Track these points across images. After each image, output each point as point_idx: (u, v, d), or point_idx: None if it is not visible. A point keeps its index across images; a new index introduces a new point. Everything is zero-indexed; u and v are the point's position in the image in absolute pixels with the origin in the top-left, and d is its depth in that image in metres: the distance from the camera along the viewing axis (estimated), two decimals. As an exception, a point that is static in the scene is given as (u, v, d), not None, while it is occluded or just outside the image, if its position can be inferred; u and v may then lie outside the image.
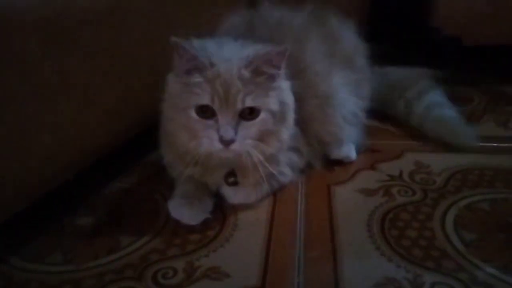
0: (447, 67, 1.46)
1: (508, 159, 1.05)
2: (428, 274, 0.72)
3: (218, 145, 0.78)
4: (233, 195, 0.90)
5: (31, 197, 0.81)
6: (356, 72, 1.09)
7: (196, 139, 0.81)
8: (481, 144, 1.09)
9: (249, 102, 0.78)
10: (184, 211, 0.84)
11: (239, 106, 0.78)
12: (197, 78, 0.78)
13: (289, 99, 0.86)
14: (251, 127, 0.80)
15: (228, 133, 0.77)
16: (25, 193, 0.79)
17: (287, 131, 0.87)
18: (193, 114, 0.79)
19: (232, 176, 0.89)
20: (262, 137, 0.83)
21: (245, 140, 0.80)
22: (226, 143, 0.78)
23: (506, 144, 1.13)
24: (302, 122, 0.95)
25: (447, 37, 1.59)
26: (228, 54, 0.81)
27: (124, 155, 1.04)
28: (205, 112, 0.79)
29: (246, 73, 0.79)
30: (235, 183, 0.89)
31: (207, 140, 0.79)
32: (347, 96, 1.04)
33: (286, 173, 0.94)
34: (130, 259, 0.78)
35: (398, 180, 0.99)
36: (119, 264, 0.77)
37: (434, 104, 1.17)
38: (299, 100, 0.91)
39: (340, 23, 1.12)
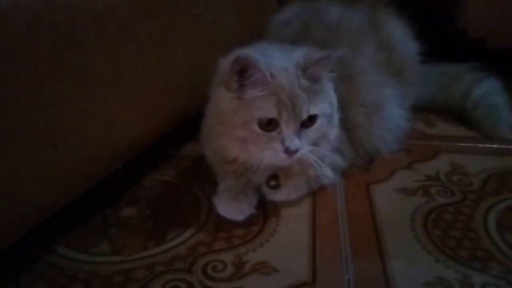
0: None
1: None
2: (477, 275, 0.72)
3: (283, 156, 0.79)
4: (273, 193, 0.90)
5: (81, 188, 0.81)
6: (405, 84, 1.11)
7: (258, 152, 0.81)
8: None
9: (312, 111, 0.79)
10: (231, 206, 0.84)
11: (305, 115, 0.78)
12: (259, 92, 0.77)
13: (334, 100, 0.87)
14: (311, 133, 0.81)
15: (295, 144, 0.78)
16: (76, 184, 0.80)
17: (334, 131, 0.88)
18: (256, 128, 0.78)
19: (274, 179, 0.90)
20: (316, 142, 0.84)
21: (306, 146, 0.81)
22: (292, 153, 0.78)
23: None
24: (347, 127, 0.95)
25: (472, 39, 1.59)
26: (279, 62, 0.80)
27: (161, 147, 1.04)
28: (270, 124, 0.78)
29: (305, 82, 0.79)
30: (277, 187, 0.90)
31: (272, 152, 0.79)
32: (394, 108, 1.05)
33: (328, 175, 0.94)
34: (178, 251, 0.78)
35: (436, 180, 1.00)
36: (167, 255, 0.77)
37: (491, 91, 1.20)
38: (346, 105, 0.92)
39: (397, 30, 1.13)
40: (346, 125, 0.97)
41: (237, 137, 0.81)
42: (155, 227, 0.85)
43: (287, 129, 0.78)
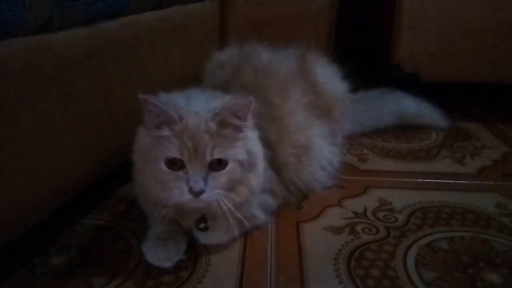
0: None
1: (465, 196, 1.12)
2: (392, 316, 0.76)
3: (188, 196, 0.81)
4: (204, 237, 0.92)
5: (2, 239, 0.80)
6: (335, 121, 1.17)
7: (166, 190, 0.83)
8: (438, 180, 1.18)
9: (217, 154, 0.81)
10: (159, 253, 0.85)
11: (208, 158, 0.80)
12: (166, 132, 0.81)
13: (257, 148, 0.89)
14: (220, 177, 0.83)
15: (198, 184, 0.80)
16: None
17: (257, 178, 0.90)
18: (163, 166, 0.81)
19: (203, 222, 0.91)
20: (232, 186, 0.86)
21: (214, 190, 0.82)
22: (196, 193, 0.80)
23: (462, 181, 1.21)
24: (277, 167, 0.99)
25: (407, 74, 1.68)
26: (196, 107, 0.83)
27: (96, 189, 1.04)
28: (175, 164, 0.81)
29: (213, 126, 0.81)
30: (205, 229, 0.91)
31: (178, 191, 0.81)
32: (323, 145, 1.10)
33: (258, 216, 0.97)
34: (102, 303, 0.78)
35: (363, 217, 1.04)
36: (92, 308, 0.77)
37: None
38: (275, 146, 0.96)
39: (324, 72, 1.20)
40: (276, 166, 1.01)
41: (152, 174, 0.83)
42: (83, 277, 0.84)
43: (192, 170, 0.80)
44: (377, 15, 1.86)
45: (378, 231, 0.99)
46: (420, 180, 1.21)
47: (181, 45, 1.24)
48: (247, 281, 0.84)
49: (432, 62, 1.59)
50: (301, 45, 1.23)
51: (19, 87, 0.75)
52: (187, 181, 0.80)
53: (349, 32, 1.90)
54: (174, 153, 0.80)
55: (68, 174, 0.91)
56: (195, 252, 0.91)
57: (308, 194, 1.10)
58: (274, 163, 1.01)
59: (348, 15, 1.74)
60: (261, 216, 0.98)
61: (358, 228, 1.00)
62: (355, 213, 1.06)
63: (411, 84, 1.65)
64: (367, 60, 1.76)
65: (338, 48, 1.66)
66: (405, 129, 1.51)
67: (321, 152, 1.11)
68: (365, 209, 1.07)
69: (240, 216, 0.87)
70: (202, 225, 0.91)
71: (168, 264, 0.85)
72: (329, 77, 1.20)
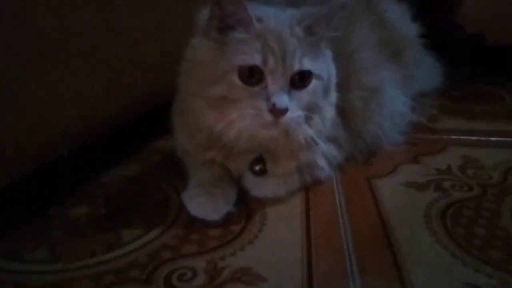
0: (471, 65, 1.39)
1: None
2: (518, 280, 0.57)
3: (268, 117, 0.63)
4: (258, 187, 0.75)
5: (10, 174, 0.64)
6: (406, 68, 0.98)
7: (229, 115, 0.65)
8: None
9: (307, 64, 0.64)
10: (204, 203, 0.68)
11: (297, 67, 0.63)
12: (241, 34, 0.63)
13: (333, 70, 0.72)
14: (302, 97, 0.66)
15: (282, 100, 0.62)
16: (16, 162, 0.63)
17: (330, 109, 0.73)
18: (236, 80, 0.63)
19: (260, 163, 0.74)
20: (309, 111, 0.68)
21: (297, 111, 0.65)
22: (280, 113, 0.62)
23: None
24: (343, 113, 0.81)
25: (471, 35, 1.49)
26: (273, 13, 0.67)
27: (127, 140, 0.88)
28: (252, 76, 0.63)
29: (299, 31, 0.65)
30: (262, 172, 0.74)
31: (253, 113, 0.64)
32: (395, 93, 0.91)
33: (323, 167, 0.79)
34: (135, 256, 0.62)
35: (448, 174, 0.85)
36: (121, 263, 0.61)
37: None
38: (340, 87, 0.78)
39: (393, 8, 1.01)
40: (341, 110, 0.82)
41: (213, 98, 0.65)
42: (110, 229, 0.68)
43: (274, 83, 0.63)
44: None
45: (471, 188, 0.80)
46: (510, 139, 1.00)
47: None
48: (316, 236, 0.66)
49: (499, 22, 1.39)
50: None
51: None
52: (267, 98, 0.63)
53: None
54: (254, 60, 0.63)
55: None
56: (246, 206, 0.73)
57: (374, 150, 0.91)
58: (339, 107, 0.82)
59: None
60: (325, 166, 0.79)
61: (446, 185, 0.81)
62: (438, 169, 0.86)
63: (475, 46, 1.46)
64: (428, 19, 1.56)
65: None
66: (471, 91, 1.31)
67: (392, 100, 0.92)
68: (449, 166, 0.88)
69: (306, 157, 0.70)
70: (258, 167, 0.74)
71: (215, 216, 0.67)
72: (399, 15, 1.02)
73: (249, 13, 0.63)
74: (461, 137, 1.02)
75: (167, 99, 0.77)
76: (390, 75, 0.93)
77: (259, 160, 0.73)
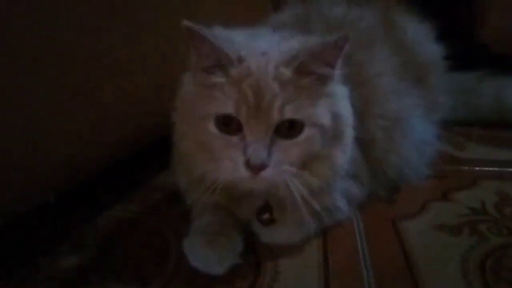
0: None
1: None
2: None
3: (243, 172, 0.56)
4: (268, 234, 0.67)
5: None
6: (430, 93, 0.89)
7: (215, 161, 0.59)
8: None
9: (289, 113, 0.56)
10: (206, 254, 0.59)
11: (275, 117, 0.55)
12: (218, 78, 0.57)
13: (346, 111, 0.64)
14: (291, 149, 0.58)
15: (258, 155, 0.55)
16: None
17: (343, 155, 0.64)
18: (212, 128, 0.57)
19: (267, 211, 0.66)
20: (308, 163, 0.60)
21: (281, 165, 0.57)
22: (255, 168, 0.55)
23: None
24: (362, 144, 0.72)
25: (495, 54, 1.40)
26: (264, 47, 0.59)
27: (124, 176, 0.80)
28: (228, 124, 0.57)
29: (286, 72, 0.56)
30: (270, 222, 0.66)
31: (229, 164, 0.57)
32: (420, 122, 0.83)
33: (342, 208, 0.70)
34: (127, 321, 0.53)
35: (483, 214, 0.76)
36: (111, 329, 0.52)
37: None
38: (360, 115, 0.69)
39: (415, 30, 0.93)
40: (361, 142, 0.73)
41: (197, 139, 0.59)
42: (102, 284, 0.59)
43: (251, 133, 0.55)
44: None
45: (511, 231, 0.70)
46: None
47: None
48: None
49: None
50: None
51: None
52: (244, 150, 0.56)
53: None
54: (227, 108, 0.56)
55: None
56: (256, 254, 0.65)
57: (398, 184, 0.82)
58: (359, 139, 0.73)
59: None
60: (344, 207, 0.71)
61: (482, 227, 0.72)
62: (471, 208, 0.77)
63: (500, 66, 1.37)
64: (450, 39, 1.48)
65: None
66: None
67: (416, 129, 0.83)
68: (483, 203, 0.78)
69: (317, 207, 0.61)
70: (265, 216, 0.66)
71: (219, 269, 0.59)
72: (421, 36, 0.94)
73: (228, 54, 0.55)
74: (494, 169, 0.93)
75: (169, 130, 0.69)
76: (414, 101, 0.85)
77: (266, 207, 0.65)
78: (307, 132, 0.58)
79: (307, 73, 0.57)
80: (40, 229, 0.66)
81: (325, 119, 0.59)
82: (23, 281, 0.60)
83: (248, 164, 0.55)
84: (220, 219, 0.65)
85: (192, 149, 0.61)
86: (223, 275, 0.59)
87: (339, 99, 0.63)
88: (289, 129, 0.57)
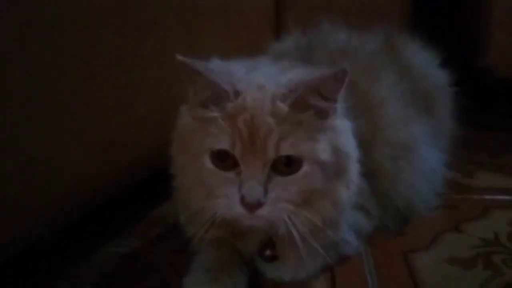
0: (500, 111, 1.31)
1: None
2: None
3: (239, 208, 0.54)
4: (273, 271, 0.64)
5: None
6: (437, 120, 0.87)
7: (212, 197, 0.57)
8: None
9: (286, 149, 0.54)
10: None
11: (271, 154, 0.53)
12: (214, 113, 0.55)
13: (349, 145, 0.61)
14: (289, 185, 0.55)
15: (254, 193, 0.53)
16: None
17: (348, 190, 0.61)
18: (208, 163, 0.55)
19: (269, 247, 0.63)
20: (308, 199, 0.58)
21: (278, 203, 0.55)
22: (251, 206, 0.53)
23: None
24: (369, 174, 0.70)
25: (499, 79, 1.39)
26: (261, 80, 0.58)
27: (121, 209, 0.78)
28: (224, 160, 0.55)
29: (283, 107, 0.54)
30: (273, 259, 0.63)
31: (225, 201, 0.55)
32: (427, 149, 0.81)
33: (350, 241, 0.67)
34: None
35: (497, 245, 0.73)
36: None
37: None
38: (366, 144, 0.67)
39: (419, 56, 0.91)
40: (368, 172, 0.71)
41: (195, 173, 0.58)
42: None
43: (247, 170, 0.53)
44: (461, 9, 1.58)
45: (527, 263, 0.67)
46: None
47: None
48: None
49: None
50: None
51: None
52: (239, 187, 0.53)
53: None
54: (222, 144, 0.54)
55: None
56: (260, 291, 0.62)
57: (407, 216, 0.79)
58: (365, 169, 0.71)
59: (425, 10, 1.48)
60: (352, 240, 0.68)
61: (496, 259, 0.69)
62: (484, 239, 0.74)
63: (505, 90, 1.35)
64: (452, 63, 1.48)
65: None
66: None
67: (425, 157, 0.81)
68: (496, 235, 0.75)
69: (317, 246, 0.58)
70: (267, 253, 0.63)
71: (221, 310, 0.56)
72: (425, 62, 0.92)
73: (223, 88, 0.54)
74: (504, 197, 0.90)
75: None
76: (421, 129, 0.82)
77: (268, 244, 0.62)
78: (306, 168, 0.56)
79: (305, 107, 0.55)
80: (34, 267, 0.63)
81: (326, 154, 0.57)
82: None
83: (243, 201, 0.53)
84: (221, 255, 0.62)
85: (190, 183, 0.60)
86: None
87: (341, 133, 0.60)
88: (287, 165, 0.55)
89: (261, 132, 0.53)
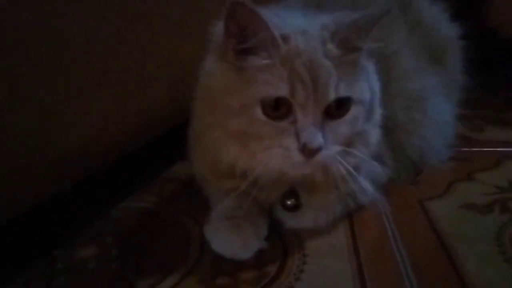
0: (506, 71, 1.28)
1: None
2: None
3: (298, 158, 0.52)
4: (293, 219, 0.64)
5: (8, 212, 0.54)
6: (449, 72, 0.87)
7: (247, 151, 0.56)
8: None
9: (343, 91, 0.53)
10: (231, 239, 0.57)
11: (332, 96, 0.52)
12: (263, 60, 0.52)
13: (377, 86, 0.61)
14: (340, 128, 0.55)
15: (315, 138, 0.52)
16: None
17: (375, 132, 0.62)
18: (259, 115, 0.53)
19: (293, 197, 0.63)
20: (349, 143, 0.58)
21: (333, 147, 0.54)
22: (312, 153, 0.52)
23: None
24: (383, 126, 0.70)
25: (506, 40, 1.37)
26: (298, 23, 0.56)
27: (139, 167, 0.78)
28: (278, 109, 0.53)
29: (334, 49, 0.53)
30: (295, 208, 0.63)
31: (281, 152, 0.53)
32: (439, 101, 0.81)
33: (367, 190, 0.67)
34: (151, 309, 0.50)
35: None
36: (135, 317, 0.49)
37: None
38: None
39: (430, 9, 0.90)
40: (383, 124, 0.71)
41: (233, 130, 0.55)
42: (122, 273, 0.57)
43: (305, 117, 0.52)
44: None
45: (542, 208, 0.67)
46: None
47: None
48: (369, 266, 0.57)
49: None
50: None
51: None
52: (297, 135, 0.52)
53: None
54: (280, 91, 0.52)
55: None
56: (281, 238, 0.62)
57: (420, 167, 0.79)
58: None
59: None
60: (369, 189, 0.68)
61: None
62: (499, 187, 0.75)
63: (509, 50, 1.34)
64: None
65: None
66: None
67: (437, 109, 0.81)
68: (510, 183, 0.76)
69: (353, 186, 0.58)
70: (290, 202, 0.63)
71: (245, 254, 0.57)
72: (436, 15, 0.91)
73: (272, 31, 0.51)
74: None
75: (183, 120, 0.67)
76: (433, 81, 0.82)
77: (292, 193, 0.62)
78: (354, 110, 0.56)
79: (350, 48, 0.54)
80: (55, 222, 0.64)
81: (367, 94, 0.57)
82: (39, 273, 0.58)
83: (304, 149, 0.52)
84: (242, 204, 0.62)
85: (221, 139, 0.57)
86: (249, 260, 0.56)
87: (371, 74, 0.60)
88: (337, 108, 0.54)
89: (322, 75, 0.52)
